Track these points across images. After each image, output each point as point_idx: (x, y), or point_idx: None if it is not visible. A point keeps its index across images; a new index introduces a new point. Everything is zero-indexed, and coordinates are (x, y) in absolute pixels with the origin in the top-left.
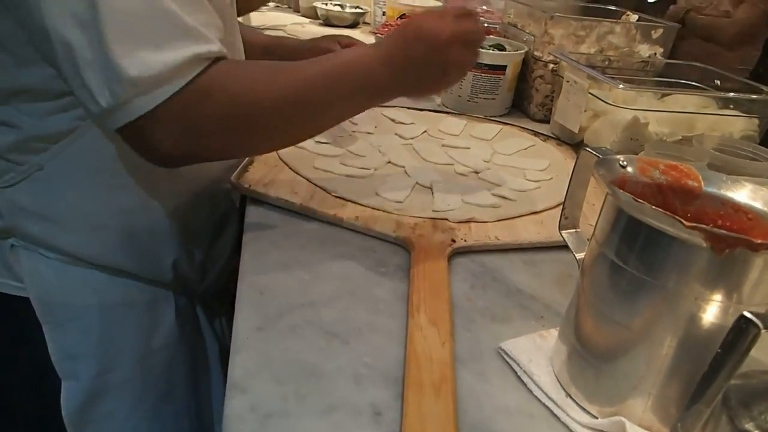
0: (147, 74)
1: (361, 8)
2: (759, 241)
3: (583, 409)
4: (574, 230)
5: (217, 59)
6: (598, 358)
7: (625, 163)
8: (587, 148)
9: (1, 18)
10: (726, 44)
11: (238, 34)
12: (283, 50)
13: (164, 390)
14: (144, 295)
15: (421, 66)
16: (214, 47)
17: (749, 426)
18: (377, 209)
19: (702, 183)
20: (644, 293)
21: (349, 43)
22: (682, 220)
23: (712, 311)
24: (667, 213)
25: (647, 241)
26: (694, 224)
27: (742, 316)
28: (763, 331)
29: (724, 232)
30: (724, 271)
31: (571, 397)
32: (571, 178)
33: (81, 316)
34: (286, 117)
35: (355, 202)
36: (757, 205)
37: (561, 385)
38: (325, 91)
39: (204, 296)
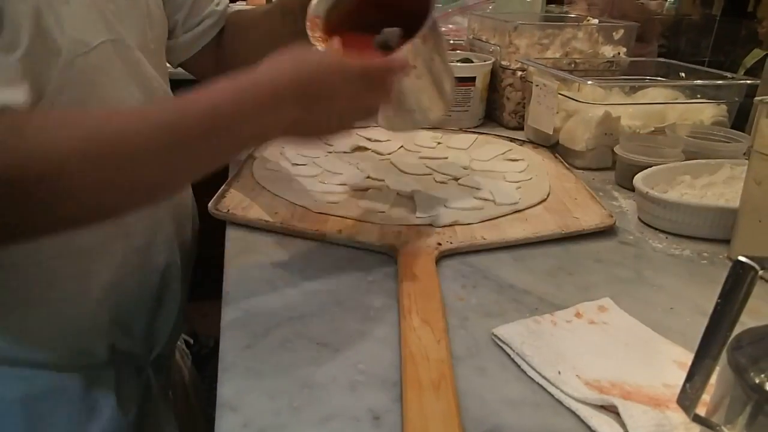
0: None
1: None
2: None
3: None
4: None
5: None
6: None
7: None
8: None
9: None
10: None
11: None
12: None
13: None
14: (75, 381)
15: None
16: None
17: (760, 380)
18: (360, 221)
19: None
20: None
21: None
22: None
23: None
24: None
25: None
26: None
27: (738, 261)
28: (760, 272)
29: None
30: None
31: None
32: None
33: (3, 414)
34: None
35: (336, 216)
36: None
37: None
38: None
39: (158, 362)
